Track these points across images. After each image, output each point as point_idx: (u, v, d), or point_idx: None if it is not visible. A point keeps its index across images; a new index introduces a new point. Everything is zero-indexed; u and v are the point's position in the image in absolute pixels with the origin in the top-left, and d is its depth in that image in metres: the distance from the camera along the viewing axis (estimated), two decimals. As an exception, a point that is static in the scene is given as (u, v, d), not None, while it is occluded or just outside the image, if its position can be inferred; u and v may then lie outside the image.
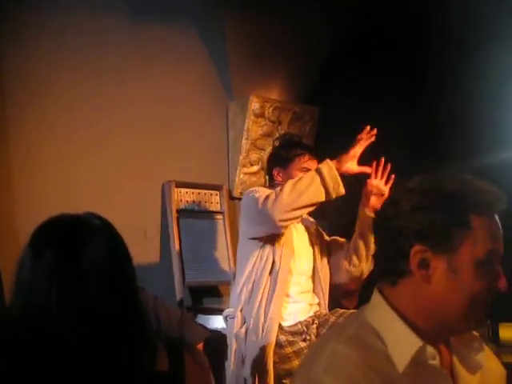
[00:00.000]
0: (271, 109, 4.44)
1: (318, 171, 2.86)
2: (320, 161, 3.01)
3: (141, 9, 4.03)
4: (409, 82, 4.72)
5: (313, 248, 3.18)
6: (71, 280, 1.35)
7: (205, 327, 3.07)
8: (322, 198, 2.85)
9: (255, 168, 4.48)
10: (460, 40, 4.28)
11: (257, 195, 2.94)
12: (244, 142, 4.40)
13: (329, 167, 2.86)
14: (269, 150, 4.46)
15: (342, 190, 2.86)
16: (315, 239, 3.22)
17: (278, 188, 2.88)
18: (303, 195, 2.82)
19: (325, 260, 3.21)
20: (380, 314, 1.39)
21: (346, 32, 4.53)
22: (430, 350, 1.33)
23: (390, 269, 1.39)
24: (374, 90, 4.53)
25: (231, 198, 4.45)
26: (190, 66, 4.30)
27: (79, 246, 1.38)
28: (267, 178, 3.41)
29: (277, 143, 4.38)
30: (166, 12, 4.10)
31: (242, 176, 4.44)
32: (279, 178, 3.20)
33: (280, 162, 3.22)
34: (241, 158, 4.42)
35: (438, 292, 1.33)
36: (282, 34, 4.37)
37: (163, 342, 1.50)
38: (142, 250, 3.90)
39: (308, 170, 3.06)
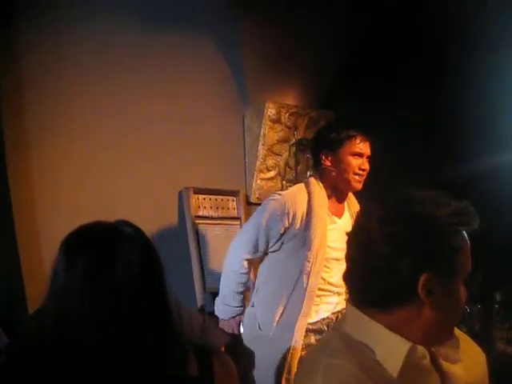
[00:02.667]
0: (287, 114, 4.46)
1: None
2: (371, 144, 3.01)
3: (155, 15, 4.05)
4: (422, 90, 4.73)
5: None
6: (105, 287, 1.38)
7: (226, 332, 3.10)
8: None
9: (272, 173, 4.50)
10: (473, 48, 4.29)
11: (247, 228, 3.11)
12: (260, 147, 4.42)
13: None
14: (285, 154, 4.50)
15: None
16: None
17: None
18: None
19: None
20: (363, 325, 1.36)
21: (361, 39, 4.54)
22: (420, 349, 1.33)
23: (382, 296, 1.34)
24: (387, 96, 4.55)
25: (248, 203, 4.46)
26: (206, 73, 4.31)
27: (113, 254, 1.40)
28: (312, 164, 3.25)
29: (293, 149, 4.41)
30: (181, 20, 4.12)
31: (258, 181, 4.46)
32: (327, 163, 3.04)
33: (329, 145, 3.03)
34: (257, 163, 4.44)
35: (437, 315, 1.32)
36: (297, 39, 4.38)
37: (192, 347, 1.52)
38: (161, 256, 3.91)
39: (360, 154, 3.00)
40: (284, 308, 2.97)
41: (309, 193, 3.00)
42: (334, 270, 3.02)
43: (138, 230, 1.47)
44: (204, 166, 4.29)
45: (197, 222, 4.14)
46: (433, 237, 1.29)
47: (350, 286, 1.42)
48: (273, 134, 4.44)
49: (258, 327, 3.05)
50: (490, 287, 3.71)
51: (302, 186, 3.09)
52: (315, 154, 3.12)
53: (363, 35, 4.54)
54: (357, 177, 3.00)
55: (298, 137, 4.52)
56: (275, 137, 4.45)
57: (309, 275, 2.93)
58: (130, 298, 1.38)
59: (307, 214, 2.96)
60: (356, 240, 1.38)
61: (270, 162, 4.47)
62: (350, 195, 3.17)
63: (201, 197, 4.21)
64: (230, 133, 4.47)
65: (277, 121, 4.43)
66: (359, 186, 3.03)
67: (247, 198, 4.46)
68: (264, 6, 4.20)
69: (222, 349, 2.67)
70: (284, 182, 4.53)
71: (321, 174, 3.07)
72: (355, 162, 2.99)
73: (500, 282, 3.74)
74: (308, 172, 4.48)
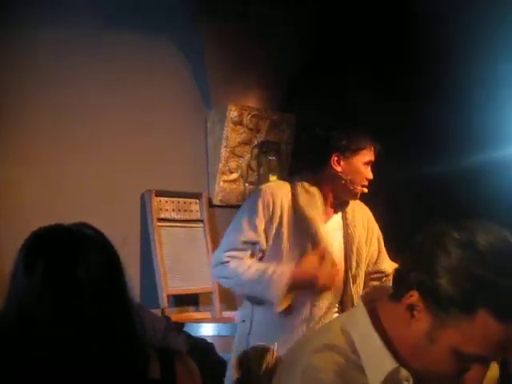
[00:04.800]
0: (249, 116, 4.47)
1: (269, 280, 2.69)
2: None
3: (119, 19, 4.04)
4: (384, 90, 4.77)
5: (349, 271, 2.90)
6: (65, 290, 1.37)
7: (189, 335, 3.08)
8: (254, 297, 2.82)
9: (234, 175, 4.51)
10: (440, 47, 4.36)
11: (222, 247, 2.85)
12: (223, 149, 4.42)
13: (282, 282, 2.69)
14: (248, 156, 4.50)
15: (279, 307, 2.73)
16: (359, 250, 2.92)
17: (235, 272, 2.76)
18: (243, 292, 2.87)
19: (362, 273, 2.94)
20: (361, 326, 1.35)
21: (323, 41, 4.57)
22: (403, 372, 1.31)
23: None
24: (349, 97, 4.58)
25: (211, 205, 4.46)
26: (168, 75, 4.32)
27: (73, 257, 1.39)
28: (314, 163, 2.93)
29: (256, 151, 4.40)
30: (145, 22, 4.12)
31: (221, 184, 4.47)
32: (338, 168, 2.80)
33: (343, 149, 2.80)
34: (220, 165, 4.44)
35: (416, 337, 1.30)
36: (259, 42, 4.40)
37: (154, 349, 1.52)
38: (122, 259, 3.89)
39: (370, 162, 2.83)
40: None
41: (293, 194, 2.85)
42: None
43: (99, 233, 1.46)
44: (166, 169, 4.28)
45: (159, 224, 4.12)
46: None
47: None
48: (235, 136, 4.44)
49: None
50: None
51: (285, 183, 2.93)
52: (323, 154, 2.85)
53: (323, 37, 4.57)
54: (364, 188, 2.86)
55: (261, 139, 4.54)
56: (237, 139, 4.46)
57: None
58: (90, 302, 1.37)
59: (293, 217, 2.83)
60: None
61: (233, 164, 4.48)
62: (358, 202, 2.99)
63: (163, 199, 4.19)
64: (193, 135, 4.47)
65: (239, 123, 4.44)
66: (358, 196, 2.90)
67: (210, 200, 4.46)
68: (226, 10, 4.21)
69: (185, 351, 2.66)
70: (246, 185, 4.54)
71: (321, 178, 2.88)
72: (365, 171, 2.84)
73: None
74: (270, 174, 4.49)
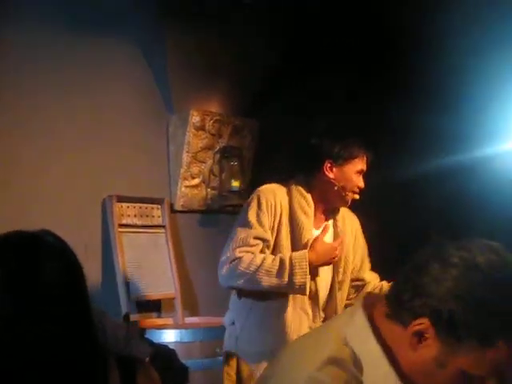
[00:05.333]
0: (211, 122, 4.47)
1: (291, 269, 2.70)
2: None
3: (79, 21, 4.01)
4: (345, 95, 4.82)
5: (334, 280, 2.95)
6: (25, 297, 1.36)
7: (151, 341, 3.06)
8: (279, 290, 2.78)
9: (196, 181, 4.50)
10: (396, 52, 4.41)
11: (231, 247, 2.80)
12: (185, 155, 4.41)
13: (303, 267, 2.71)
14: (210, 162, 4.50)
15: (306, 290, 2.74)
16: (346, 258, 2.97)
17: (249, 268, 2.72)
18: (263, 287, 2.75)
19: (347, 281, 2.99)
20: (364, 341, 1.32)
21: (285, 45, 4.60)
22: None
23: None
24: (311, 102, 4.62)
25: (173, 211, 4.45)
26: (130, 80, 4.29)
27: (33, 264, 1.38)
28: (306, 169, 2.98)
29: (218, 156, 4.40)
30: (106, 25, 4.09)
31: (183, 189, 4.45)
32: (331, 175, 2.85)
33: (336, 157, 2.86)
34: (182, 171, 4.43)
35: (423, 362, 1.28)
36: (221, 47, 4.40)
37: (115, 357, 1.51)
38: (83, 265, 3.86)
39: (362, 171, 2.87)
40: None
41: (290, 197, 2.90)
42: None
43: (59, 240, 1.45)
44: (128, 174, 4.25)
45: (121, 230, 4.10)
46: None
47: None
48: (197, 141, 4.44)
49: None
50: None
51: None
52: (315, 159, 2.91)
53: (286, 43, 4.60)
54: (355, 195, 2.90)
55: (223, 144, 4.54)
56: (199, 144, 4.46)
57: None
58: (50, 309, 1.36)
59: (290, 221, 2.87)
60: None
61: (195, 169, 4.47)
62: (347, 210, 3.04)
63: (124, 205, 4.17)
64: (155, 140, 4.45)
65: (201, 128, 4.43)
66: (349, 203, 2.95)
67: (172, 205, 4.45)
68: (188, 14, 4.21)
69: (147, 359, 2.65)
70: (208, 190, 4.53)
71: (312, 183, 2.93)
72: (357, 179, 2.88)
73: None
74: (232, 179, 4.50)
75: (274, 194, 2.87)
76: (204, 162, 4.51)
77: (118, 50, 4.20)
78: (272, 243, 2.86)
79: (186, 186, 4.46)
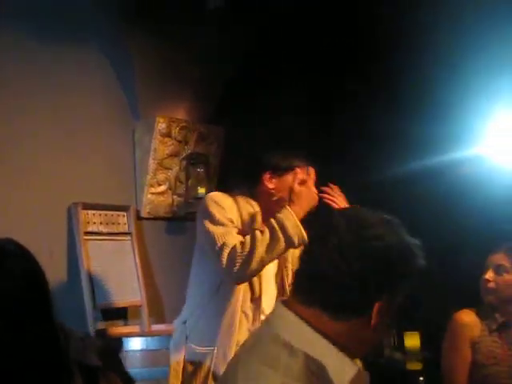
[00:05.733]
0: (178, 128, 4.46)
1: (281, 225, 2.67)
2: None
3: (43, 28, 3.98)
4: (309, 101, 4.85)
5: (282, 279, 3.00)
6: None
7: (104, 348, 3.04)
8: (286, 251, 2.76)
9: (163, 188, 4.49)
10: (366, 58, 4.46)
11: (218, 243, 2.73)
12: (151, 161, 4.40)
13: (291, 219, 2.69)
14: (176, 168, 4.49)
15: (305, 237, 2.67)
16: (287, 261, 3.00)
17: (245, 249, 2.67)
18: (270, 257, 2.70)
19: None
20: (311, 339, 1.35)
21: (251, 53, 4.62)
22: (358, 363, 1.39)
23: (347, 305, 1.37)
24: (277, 110, 4.64)
25: (139, 218, 4.43)
26: (95, 86, 4.27)
27: None
28: (247, 180, 3.01)
29: (184, 163, 4.39)
30: (71, 31, 4.07)
31: (149, 196, 4.44)
32: (270, 185, 2.90)
33: (275, 168, 2.92)
34: (148, 177, 4.41)
35: (370, 335, 1.38)
36: (187, 54, 4.41)
37: (78, 365, 1.50)
38: (48, 273, 3.83)
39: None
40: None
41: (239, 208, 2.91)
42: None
43: (22, 249, 1.45)
44: (93, 181, 4.23)
45: (86, 238, 4.07)
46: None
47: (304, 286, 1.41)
48: (163, 148, 4.43)
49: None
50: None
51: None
52: (254, 172, 2.96)
53: (251, 48, 4.62)
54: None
55: (189, 151, 4.54)
56: (166, 151, 4.45)
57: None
58: (13, 318, 1.35)
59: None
60: (323, 247, 1.39)
61: (161, 176, 4.46)
62: None
63: (90, 212, 4.14)
64: (120, 147, 4.43)
65: (167, 135, 4.43)
66: None
67: (138, 212, 4.43)
68: (155, 22, 4.21)
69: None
70: (175, 197, 4.53)
71: (255, 194, 2.95)
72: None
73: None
74: (198, 186, 4.49)
75: (222, 200, 2.88)
76: (170, 169, 4.50)
77: (82, 58, 4.18)
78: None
79: (152, 193, 4.45)
